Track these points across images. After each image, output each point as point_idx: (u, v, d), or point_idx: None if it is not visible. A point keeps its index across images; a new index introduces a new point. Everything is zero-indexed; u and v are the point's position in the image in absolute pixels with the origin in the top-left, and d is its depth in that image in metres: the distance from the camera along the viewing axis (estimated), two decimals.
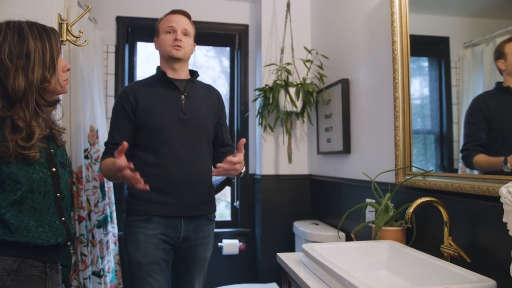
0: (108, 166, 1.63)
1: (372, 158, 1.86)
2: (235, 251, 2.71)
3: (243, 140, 1.58)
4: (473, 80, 1.29)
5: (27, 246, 1.12)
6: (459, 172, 1.31)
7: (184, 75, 1.81)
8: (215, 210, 1.85)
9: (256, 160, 2.79)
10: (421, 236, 1.43)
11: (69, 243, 1.24)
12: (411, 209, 1.22)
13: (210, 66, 3.08)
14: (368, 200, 1.76)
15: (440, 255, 1.23)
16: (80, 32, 1.75)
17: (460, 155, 1.30)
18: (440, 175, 1.36)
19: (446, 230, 1.23)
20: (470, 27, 1.31)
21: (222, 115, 1.90)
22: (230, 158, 1.56)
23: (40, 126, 1.17)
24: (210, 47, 3.05)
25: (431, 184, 1.37)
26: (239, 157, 1.57)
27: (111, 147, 1.69)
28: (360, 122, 2.00)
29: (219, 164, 1.58)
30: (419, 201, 1.23)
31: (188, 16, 1.81)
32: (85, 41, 1.79)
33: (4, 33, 1.14)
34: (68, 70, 1.28)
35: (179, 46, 1.73)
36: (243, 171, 1.69)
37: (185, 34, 1.77)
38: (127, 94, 1.74)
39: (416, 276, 1.18)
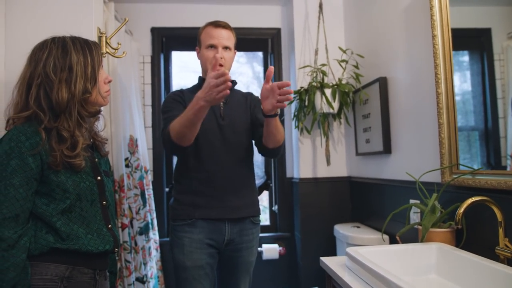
0: (182, 116, 1.53)
1: (414, 158, 1.80)
2: (275, 255, 2.69)
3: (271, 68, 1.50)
4: None
5: (78, 253, 1.15)
6: (508, 169, 1.24)
7: None
8: (259, 214, 1.84)
9: (294, 163, 2.76)
10: (472, 237, 1.36)
11: (116, 250, 1.26)
12: (461, 209, 1.17)
13: (243, 72, 3.09)
14: (412, 201, 1.70)
15: (494, 257, 1.16)
16: (118, 44, 1.80)
17: None
18: (490, 173, 1.29)
19: (501, 230, 1.17)
20: None
21: (253, 104, 1.86)
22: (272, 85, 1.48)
23: (84, 136, 1.21)
24: (242, 53, 3.06)
25: (481, 183, 1.30)
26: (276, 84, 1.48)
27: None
28: (400, 121, 1.94)
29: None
30: (470, 200, 1.17)
31: (229, 28, 1.80)
32: (124, 52, 1.85)
33: (49, 48, 1.19)
34: (109, 81, 1.31)
35: (220, 65, 1.70)
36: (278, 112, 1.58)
37: (226, 48, 1.77)
38: (176, 92, 1.81)
39: (469, 280, 1.12)
